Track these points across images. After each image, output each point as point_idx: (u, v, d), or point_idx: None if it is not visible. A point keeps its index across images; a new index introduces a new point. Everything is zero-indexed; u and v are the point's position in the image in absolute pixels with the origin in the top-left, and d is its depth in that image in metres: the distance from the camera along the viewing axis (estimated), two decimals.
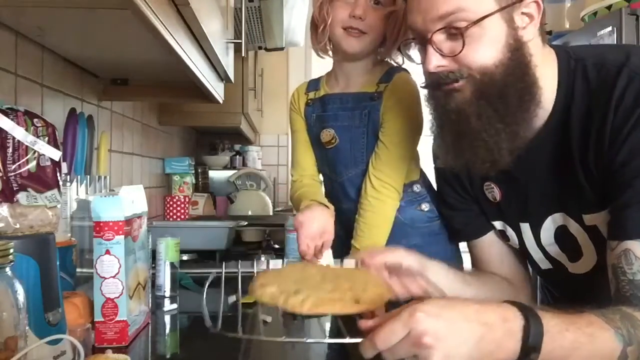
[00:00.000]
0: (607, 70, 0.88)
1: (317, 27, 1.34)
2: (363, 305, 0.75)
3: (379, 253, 1.00)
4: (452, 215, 1.21)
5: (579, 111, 0.89)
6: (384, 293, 0.80)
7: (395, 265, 0.97)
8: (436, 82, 0.92)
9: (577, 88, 0.90)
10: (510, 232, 1.07)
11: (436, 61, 0.89)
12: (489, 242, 1.13)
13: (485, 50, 0.87)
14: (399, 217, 1.34)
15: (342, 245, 1.32)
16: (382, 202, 1.29)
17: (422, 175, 1.39)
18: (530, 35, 0.90)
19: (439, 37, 0.88)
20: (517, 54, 0.88)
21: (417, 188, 1.35)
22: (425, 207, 1.34)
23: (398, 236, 1.34)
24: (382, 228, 1.30)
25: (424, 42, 0.92)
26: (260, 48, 2.61)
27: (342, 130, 1.35)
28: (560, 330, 0.71)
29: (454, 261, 1.36)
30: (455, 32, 0.87)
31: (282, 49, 2.54)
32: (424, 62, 0.92)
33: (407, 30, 1.09)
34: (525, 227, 1.04)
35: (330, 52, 1.37)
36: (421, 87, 0.98)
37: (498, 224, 1.10)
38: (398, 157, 1.30)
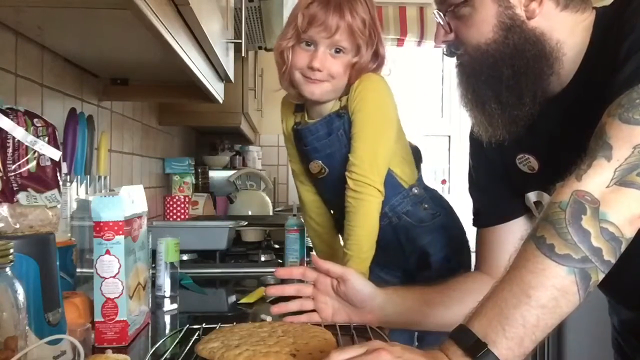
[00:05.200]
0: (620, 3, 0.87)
1: (279, 69, 1.33)
2: (300, 357, 0.76)
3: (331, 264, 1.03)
4: (482, 196, 1.15)
5: (604, 58, 0.86)
6: (324, 346, 0.80)
7: (340, 276, 1.01)
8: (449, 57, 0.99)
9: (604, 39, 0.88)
10: (547, 198, 1.02)
11: (439, 36, 0.97)
12: (511, 229, 1.09)
13: (476, 29, 0.92)
14: (409, 221, 1.34)
15: None
16: (361, 200, 1.25)
17: (420, 178, 1.39)
18: (535, 12, 0.89)
19: (448, 15, 0.95)
20: (513, 32, 0.89)
21: (416, 190, 1.36)
22: (426, 206, 1.36)
23: (411, 239, 1.36)
24: (365, 228, 1.26)
25: None
26: (260, 48, 2.61)
27: (328, 159, 1.34)
28: (512, 337, 0.66)
29: (463, 249, 1.39)
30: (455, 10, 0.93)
31: None
32: None
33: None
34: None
35: (296, 94, 1.34)
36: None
37: (533, 196, 1.05)
38: (372, 153, 1.26)
